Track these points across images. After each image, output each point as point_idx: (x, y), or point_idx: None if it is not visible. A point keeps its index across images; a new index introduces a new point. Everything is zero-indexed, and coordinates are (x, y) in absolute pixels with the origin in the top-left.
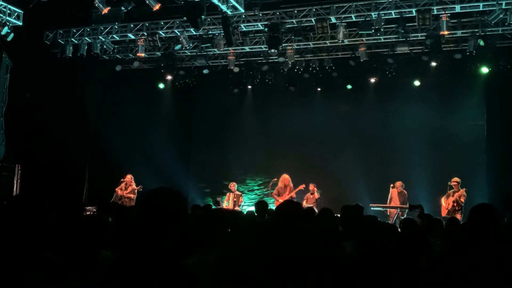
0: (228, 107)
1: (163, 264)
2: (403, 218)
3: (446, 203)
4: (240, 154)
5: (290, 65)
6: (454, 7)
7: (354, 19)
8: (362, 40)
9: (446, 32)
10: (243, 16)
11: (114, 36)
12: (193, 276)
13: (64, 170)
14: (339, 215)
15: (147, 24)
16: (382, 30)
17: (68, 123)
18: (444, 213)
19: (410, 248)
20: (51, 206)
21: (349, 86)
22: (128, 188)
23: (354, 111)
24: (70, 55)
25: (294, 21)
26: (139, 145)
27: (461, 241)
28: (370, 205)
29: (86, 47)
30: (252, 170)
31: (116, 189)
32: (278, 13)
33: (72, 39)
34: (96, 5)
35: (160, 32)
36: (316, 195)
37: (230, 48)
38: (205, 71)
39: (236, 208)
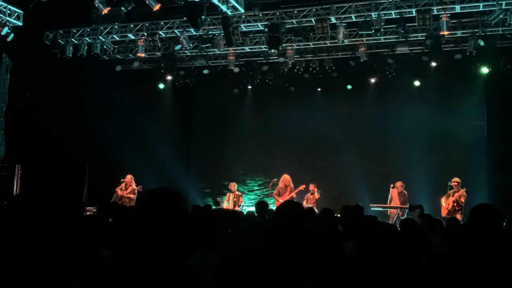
0: (228, 107)
1: (163, 264)
2: (403, 218)
3: (446, 203)
4: (240, 154)
5: (290, 65)
6: (454, 7)
7: (354, 19)
8: (362, 40)
9: (446, 32)
10: (243, 16)
11: (114, 36)
12: (193, 276)
13: (64, 170)
14: (339, 215)
15: (147, 24)
16: (382, 30)
17: (68, 123)
18: (444, 213)
19: (410, 248)
20: (51, 206)
21: (349, 86)
22: (128, 188)
23: (354, 111)
24: (70, 55)
25: (294, 21)
26: (139, 145)
27: (461, 241)
28: (370, 205)
29: (86, 47)
30: (252, 170)
31: (116, 189)
32: (278, 13)
33: (72, 39)
34: (96, 5)
35: (160, 32)
36: (316, 195)
37: (230, 48)
38: (205, 71)
39: (236, 208)
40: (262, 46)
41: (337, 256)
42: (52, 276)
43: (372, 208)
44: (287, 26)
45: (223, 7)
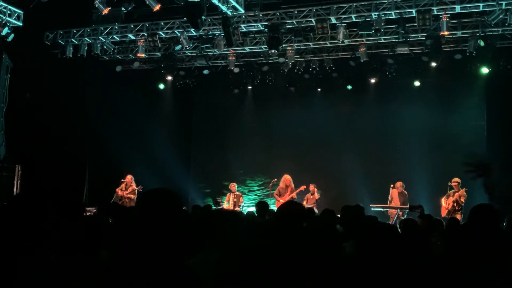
0: (228, 108)
1: (163, 264)
2: (403, 218)
3: (446, 203)
4: (240, 155)
5: (290, 66)
6: (454, 8)
7: (354, 20)
8: (362, 40)
9: (446, 33)
10: (243, 17)
11: (114, 36)
12: (193, 276)
13: (64, 170)
14: (339, 216)
15: (147, 25)
16: (382, 30)
17: (68, 124)
18: (444, 213)
19: (410, 248)
20: (51, 206)
21: (349, 87)
22: (128, 188)
23: (354, 112)
24: (70, 56)
25: (294, 21)
26: (139, 145)
27: (461, 241)
28: (371, 205)
29: (86, 47)
30: (252, 171)
31: (117, 190)
32: (278, 14)
33: (72, 39)
34: (96, 5)
35: (160, 32)
36: (317, 195)
37: (230, 49)
38: (205, 72)
39: (236, 208)
40: (262, 47)
41: (337, 256)
42: (52, 276)
43: (372, 209)
44: (287, 27)
45: (223, 8)
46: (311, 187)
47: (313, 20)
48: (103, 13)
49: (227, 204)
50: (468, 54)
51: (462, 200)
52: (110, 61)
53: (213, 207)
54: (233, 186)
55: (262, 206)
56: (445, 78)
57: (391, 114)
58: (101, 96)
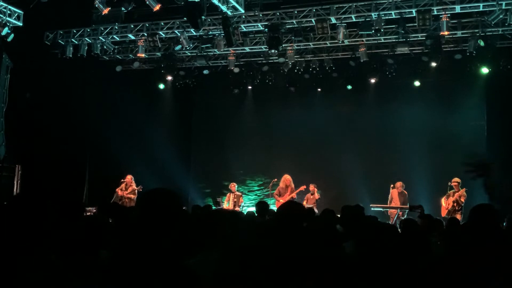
0: (228, 108)
1: (163, 264)
2: (403, 218)
3: (446, 203)
4: (240, 155)
5: (290, 66)
6: (454, 8)
7: (354, 20)
8: (362, 40)
9: (446, 33)
10: (243, 17)
11: (114, 36)
12: (193, 276)
13: (64, 170)
14: (339, 216)
15: (147, 25)
16: (382, 30)
17: (68, 124)
18: (444, 213)
19: (410, 248)
20: (51, 206)
21: (349, 87)
22: (128, 188)
23: (354, 112)
24: (70, 56)
25: (294, 21)
26: (139, 145)
27: (461, 242)
28: (371, 205)
29: (86, 47)
30: (252, 171)
31: (117, 190)
32: (278, 14)
33: (72, 39)
34: (96, 5)
35: (160, 32)
36: (317, 195)
37: (230, 49)
38: (205, 72)
39: (237, 208)
40: (262, 47)
41: (337, 256)
42: (52, 276)
43: (372, 209)
44: (287, 27)
45: (223, 8)
46: (311, 187)
47: (313, 20)
48: (103, 13)
49: (227, 204)
50: (468, 54)
51: (462, 200)
52: (110, 61)
53: (213, 207)
54: (233, 186)
55: (262, 206)
56: (445, 78)
57: (391, 114)
58: (101, 96)
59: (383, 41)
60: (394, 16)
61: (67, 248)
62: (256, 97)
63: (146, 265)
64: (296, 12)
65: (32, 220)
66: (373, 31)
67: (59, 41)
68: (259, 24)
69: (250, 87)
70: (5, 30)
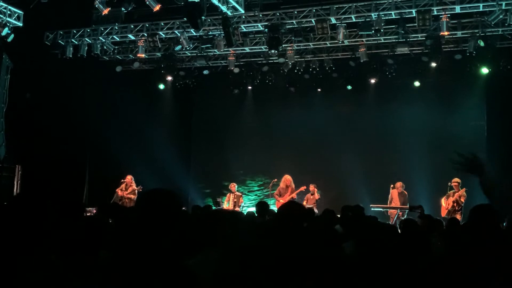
0: (228, 108)
1: (163, 264)
2: (403, 218)
3: (446, 203)
4: (240, 155)
5: (290, 66)
6: (454, 8)
7: (354, 20)
8: (362, 40)
9: (446, 33)
10: (243, 17)
11: (114, 37)
12: (193, 276)
13: (64, 170)
14: (339, 216)
15: (147, 25)
16: (382, 30)
17: (68, 124)
18: (444, 213)
19: (410, 248)
20: (51, 206)
21: (349, 87)
22: (128, 188)
23: (354, 112)
24: (71, 56)
25: (294, 21)
26: (139, 145)
27: (461, 242)
28: (371, 205)
29: (86, 48)
30: (252, 171)
31: (117, 190)
32: (278, 14)
33: (73, 40)
34: (96, 6)
35: (160, 33)
36: (317, 195)
37: (230, 49)
38: (205, 72)
39: (237, 208)
40: (262, 47)
41: (337, 256)
42: (52, 276)
43: (372, 209)
44: (287, 27)
45: (223, 8)
46: (311, 187)
47: (313, 20)
48: (103, 13)
49: (227, 204)
50: (468, 54)
51: (462, 200)
52: (110, 62)
53: (213, 207)
54: (233, 186)
55: (262, 206)
56: (445, 78)
57: (391, 114)
58: (101, 96)
59: (383, 41)
60: (394, 16)
61: (67, 248)
62: (256, 97)
63: (146, 265)
64: (296, 12)
65: (32, 220)
66: (373, 31)
67: (59, 41)
68: (259, 25)
69: (250, 87)
70: (5, 31)
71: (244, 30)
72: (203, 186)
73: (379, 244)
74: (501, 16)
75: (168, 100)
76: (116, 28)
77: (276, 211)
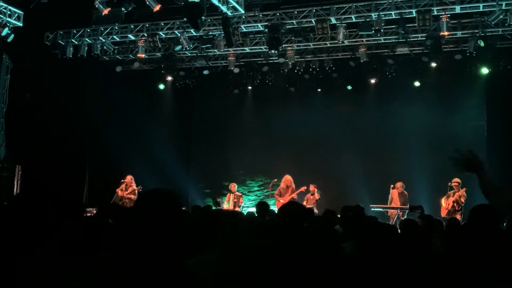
0: (228, 108)
1: (163, 264)
2: (403, 219)
3: (446, 203)
4: (240, 155)
5: (290, 66)
6: (454, 8)
7: (354, 20)
8: (362, 41)
9: (446, 33)
10: (243, 17)
11: (115, 37)
12: (193, 276)
13: (64, 170)
14: (339, 216)
15: (147, 25)
16: (382, 31)
17: (68, 124)
18: (444, 213)
19: (410, 248)
20: (51, 206)
21: (349, 87)
22: (128, 188)
23: (354, 112)
24: (71, 56)
25: (294, 22)
26: (139, 145)
27: (461, 242)
28: (371, 205)
29: (87, 48)
30: (252, 171)
31: (117, 190)
32: (278, 14)
33: (73, 40)
34: (97, 6)
35: (160, 33)
36: (317, 195)
37: (230, 49)
38: (205, 72)
39: (237, 209)
40: (262, 47)
41: (337, 256)
42: (52, 276)
43: (373, 209)
44: (287, 27)
45: (223, 8)
46: (311, 187)
47: (313, 20)
48: (103, 13)
49: (227, 204)
50: (468, 54)
51: (462, 200)
52: (110, 62)
53: (213, 208)
54: (233, 186)
55: (262, 206)
56: (445, 78)
57: (391, 114)
58: (101, 97)
59: (383, 41)
60: (394, 17)
61: (67, 248)
62: (256, 97)
63: (146, 265)
64: (296, 12)
65: (32, 220)
66: (373, 32)
67: (59, 41)
68: (259, 25)
69: (250, 88)
70: (5, 31)
71: (244, 30)
72: (203, 186)
73: (379, 244)
74: (501, 16)
75: (168, 100)
76: (116, 28)
77: (276, 212)
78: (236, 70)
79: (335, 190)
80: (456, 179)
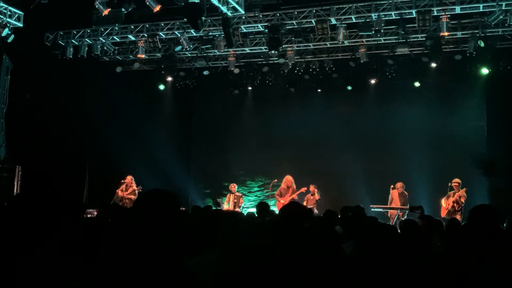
0: (228, 108)
1: (163, 265)
2: (403, 219)
3: (446, 203)
4: (241, 155)
5: (290, 66)
6: (454, 8)
7: (354, 20)
8: (362, 41)
9: (446, 33)
10: (243, 18)
11: (115, 37)
12: (193, 276)
13: (64, 171)
14: (339, 216)
15: (147, 26)
16: (382, 31)
17: (68, 124)
18: (443, 213)
19: (410, 248)
20: (52, 206)
21: (349, 87)
22: (128, 189)
23: (354, 112)
24: (71, 57)
25: (294, 22)
26: (139, 146)
27: (461, 242)
28: (371, 206)
29: (87, 48)
30: (252, 171)
31: (117, 190)
32: (278, 15)
33: (73, 40)
34: (97, 6)
35: (161, 33)
36: (317, 196)
37: (230, 49)
38: (206, 72)
39: (237, 209)
40: (262, 47)
41: (337, 256)
42: (52, 276)
43: (373, 209)
44: (287, 27)
45: (223, 8)
46: (311, 187)
47: (313, 21)
48: (103, 14)
49: (227, 205)
50: (468, 54)
51: (462, 200)
52: (110, 62)
53: (213, 208)
54: (233, 187)
55: (262, 207)
56: (445, 78)
57: (391, 114)
58: (101, 97)
59: (383, 41)
60: (394, 17)
61: (67, 248)
62: (256, 98)
63: (145, 265)
64: (296, 13)
65: (32, 220)
66: (373, 32)
67: (60, 42)
68: (259, 25)
69: (250, 88)
70: (6, 31)
71: (244, 30)
72: (203, 187)
73: (379, 245)
74: (501, 17)
75: (168, 101)
76: (116, 28)
77: (276, 212)
78: (236, 71)
79: (335, 191)
80: (456, 180)
